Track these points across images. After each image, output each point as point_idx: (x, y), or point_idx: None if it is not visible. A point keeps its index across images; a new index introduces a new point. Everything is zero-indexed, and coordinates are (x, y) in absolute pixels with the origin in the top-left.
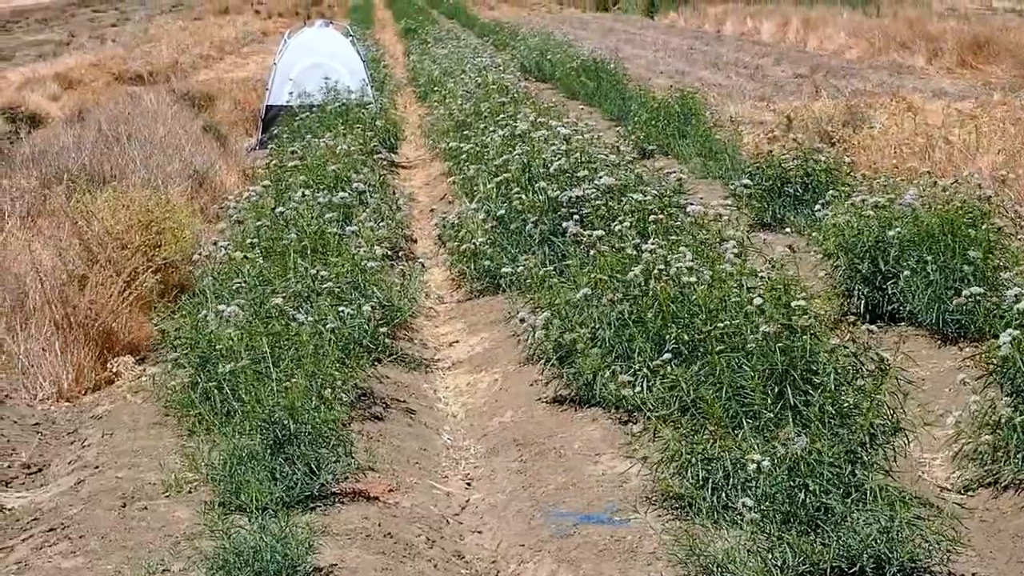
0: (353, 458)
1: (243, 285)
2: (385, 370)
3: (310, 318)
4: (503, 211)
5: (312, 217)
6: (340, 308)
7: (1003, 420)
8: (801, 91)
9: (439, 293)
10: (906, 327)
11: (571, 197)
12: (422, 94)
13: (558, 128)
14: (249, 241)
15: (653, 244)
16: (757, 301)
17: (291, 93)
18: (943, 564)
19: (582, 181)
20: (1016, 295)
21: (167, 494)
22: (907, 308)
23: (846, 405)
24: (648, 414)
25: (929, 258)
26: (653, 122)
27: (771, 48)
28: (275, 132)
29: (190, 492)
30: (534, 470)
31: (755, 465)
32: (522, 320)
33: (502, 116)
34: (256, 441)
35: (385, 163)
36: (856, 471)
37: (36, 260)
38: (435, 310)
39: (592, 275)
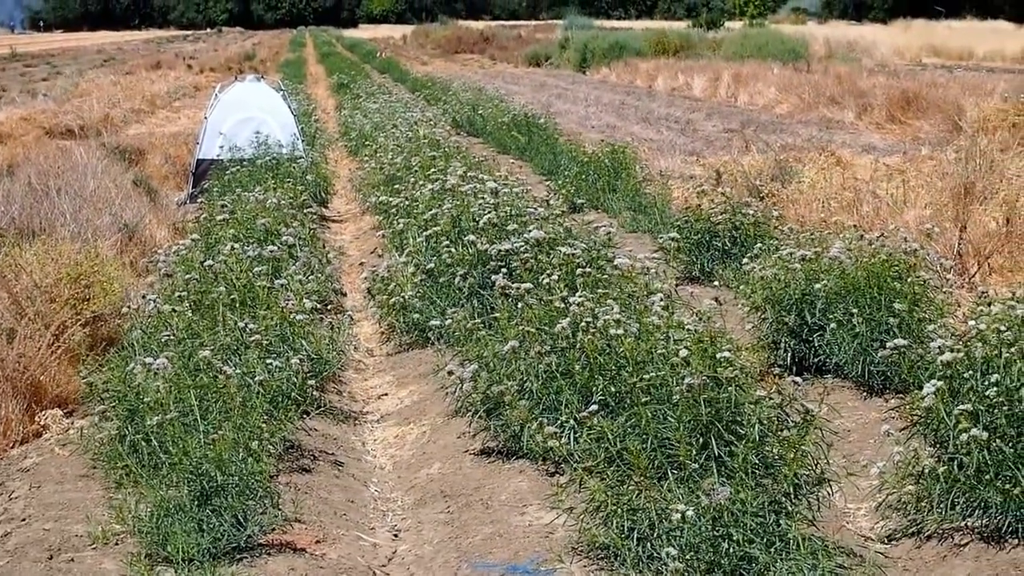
0: (280, 510)
1: (172, 338)
2: (313, 423)
3: (238, 371)
4: (432, 264)
5: (241, 270)
6: (269, 361)
7: (926, 471)
8: (731, 146)
9: (368, 346)
10: (832, 379)
11: (500, 250)
12: (353, 148)
13: (487, 182)
14: (178, 294)
15: (581, 297)
16: (683, 353)
17: (222, 147)
18: None
19: (511, 235)
20: (940, 347)
21: (94, 546)
22: (833, 360)
23: (770, 456)
24: (575, 465)
25: (855, 311)
26: (583, 176)
27: (702, 103)
28: (206, 186)
29: (117, 544)
30: (461, 521)
31: (679, 515)
32: (450, 373)
33: (432, 170)
34: (183, 493)
35: (315, 217)
36: (780, 521)
37: None
38: (364, 363)
39: (520, 328)
